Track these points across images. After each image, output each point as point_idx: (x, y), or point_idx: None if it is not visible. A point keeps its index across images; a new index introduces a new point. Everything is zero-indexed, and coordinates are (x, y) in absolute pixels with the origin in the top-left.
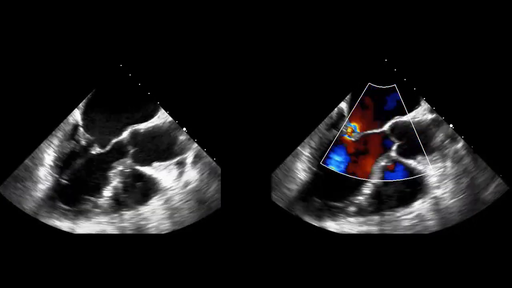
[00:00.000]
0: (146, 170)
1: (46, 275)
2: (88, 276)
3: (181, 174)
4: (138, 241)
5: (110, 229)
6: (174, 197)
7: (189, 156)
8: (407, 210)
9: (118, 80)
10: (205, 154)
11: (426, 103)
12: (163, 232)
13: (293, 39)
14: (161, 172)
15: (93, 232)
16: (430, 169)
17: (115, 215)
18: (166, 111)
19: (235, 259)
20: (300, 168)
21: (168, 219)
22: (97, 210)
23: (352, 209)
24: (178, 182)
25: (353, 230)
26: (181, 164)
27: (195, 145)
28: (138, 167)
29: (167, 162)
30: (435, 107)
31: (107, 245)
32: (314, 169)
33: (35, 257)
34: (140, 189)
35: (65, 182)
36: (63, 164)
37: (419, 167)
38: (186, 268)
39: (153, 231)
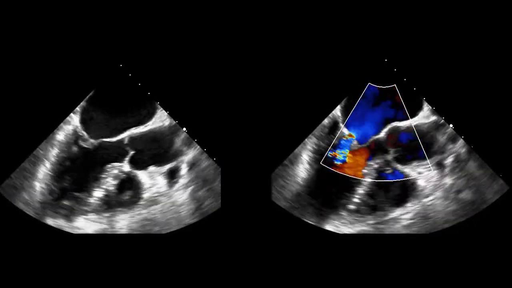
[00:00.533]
0: (141, 174)
1: (46, 275)
2: (88, 276)
3: (176, 179)
4: (138, 241)
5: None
6: (165, 202)
7: (185, 161)
8: (401, 210)
9: (118, 80)
10: (202, 157)
11: (428, 106)
12: (163, 232)
13: (292, 40)
14: (157, 177)
15: (92, 232)
16: (428, 170)
17: (106, 214)
18: (166, 111)
19: (235, 259)
20: (300, 168)
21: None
22: (87, 208)
23: (350, 207)
24: (173, 187)
25: (352, 230)
26: (176, 169)
27: (192, 149)
28: (135, 171)
29: (164, 167)
30: (435, 107)
31: (107, 245)
32: (314, 169)
33: (35, 257)
34: (136, 191)
35: (64, 181)
36: (62, 163)
37: (417, 170)
38: (186, 268)
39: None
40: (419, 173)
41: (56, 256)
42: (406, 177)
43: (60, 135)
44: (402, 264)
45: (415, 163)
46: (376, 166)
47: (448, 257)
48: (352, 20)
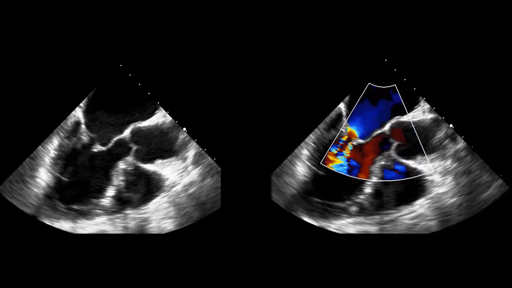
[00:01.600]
0: (149, 167)
1: (47, 275)
2: (89, 276)
3: (184, 170)
4: (138, 241)
5: (112, 229)
6: (178, 194)
7: (190, 154)
8: (408, 209)
9: (118, 80)
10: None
11: (426, 103)
12: (164, 232)
13: (293, 40)
14: (164, 169)
15: (94, 232)
16: (430, 168)
17: (118, 214)
18: (166, 111)
19: (235, 259)
20: (300, 168)
21: (172, 217)
22: (99, 210)
23: (352, 209)
24: (181, 178)
25: (354, 230)
26: (184, 161)
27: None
28: (141, 165)
29: (170, 159)
30: (435, 107)
31: (107, 245)
32: (314, 169)
33: (35, 257)
34: (143, 187)
35: (66, 181)
36: (64, 162)
37: (419, 167)
38: (186, 268)
39: (154, 230)
40: (423, 168)
41: (56, 256)
42: (410, 173)
43: (61, 134)
44: (403, 264)
45: (419, 158)
46: (382, 163)
47: (449, 257)
48: (352, 20)
